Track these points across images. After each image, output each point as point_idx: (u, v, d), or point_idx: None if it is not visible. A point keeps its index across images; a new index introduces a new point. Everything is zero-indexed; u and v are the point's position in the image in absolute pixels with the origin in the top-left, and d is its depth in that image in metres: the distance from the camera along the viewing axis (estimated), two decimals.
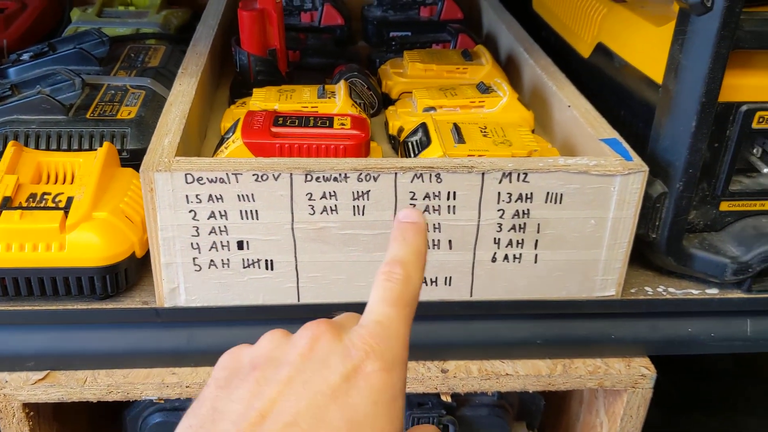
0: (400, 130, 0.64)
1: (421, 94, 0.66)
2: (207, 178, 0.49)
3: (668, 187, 0.55)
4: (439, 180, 0.51)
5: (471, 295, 0.55)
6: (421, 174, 0.50)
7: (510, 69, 0.79)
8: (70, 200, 0.53)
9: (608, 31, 0.65)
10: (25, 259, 0.51)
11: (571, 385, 0.59)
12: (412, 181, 0.51)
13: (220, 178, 0.49)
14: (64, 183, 0.57)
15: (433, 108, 0.65)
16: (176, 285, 0.53)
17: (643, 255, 0.59)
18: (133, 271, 0.55)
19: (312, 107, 0.63)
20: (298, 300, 0.54)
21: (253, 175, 0.49)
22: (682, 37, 0.51)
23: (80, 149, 0.64)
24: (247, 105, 0.65)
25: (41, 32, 1.00)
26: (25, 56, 0.79)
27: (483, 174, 0.51)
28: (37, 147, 0.64)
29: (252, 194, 0.50)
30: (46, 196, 0.54)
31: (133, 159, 0.64)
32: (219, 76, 0.80)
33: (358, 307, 0.55)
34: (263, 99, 0.64)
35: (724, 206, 0.57)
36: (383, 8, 0.92)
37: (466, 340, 0.58)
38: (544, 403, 0.69)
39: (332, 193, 0.50)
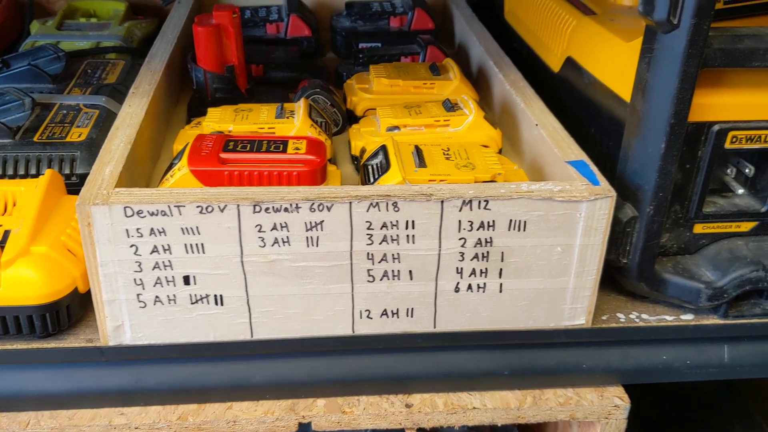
0: (363, 150, 0.61)
1: (384, 112, 0.63)
2: (147, 211, 0.46)
3: (638, 210, 0.52)
4: (396, 209, 0.48)
5: (434, 327, 0.53)
6: (377, 203, 0.48)
7: (480, 82, 0.77)
8: (6, 234, 0.50)
9: (577, 44, 0.63)
10: None
11: (541, 418, 0.56)
12: (368, 210, 0.48)
13: (162, 211, 0.46)
14: (3, 214, 0.54)
15: (396, 127, 0.62)
16: (120, 322, 0.50)
17: (614, 280, 0.57)
18: (76, 307, 0.52)
19: (269, 128, 0.60)
20: (252, 336, 0.51)
21: (197, 206, 0.46)
22: (649, 56, 0.48)
23: (27, 174, 0.61)
24: (201, 125, 0.63)
25: (2, 46, 0.97)
26: None
27: (442, 202, 0.48)
28: None
29: (197, 227, 0.47)
30: None
31: (82, 184, 0.61)
32: (179, 92, 0.77)
33: (315, 342, 0.52)
34: (218, 120, 0.61)
35: (698, 228, 0.55)
36: (352, 18, 0.89)
37: (431, 372, 0.55)
38: None
39: (283, 225, 0.48)
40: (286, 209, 0.47)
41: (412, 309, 0.52)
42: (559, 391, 0.57)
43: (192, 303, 0.50)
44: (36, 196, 0.53)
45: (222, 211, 0.47)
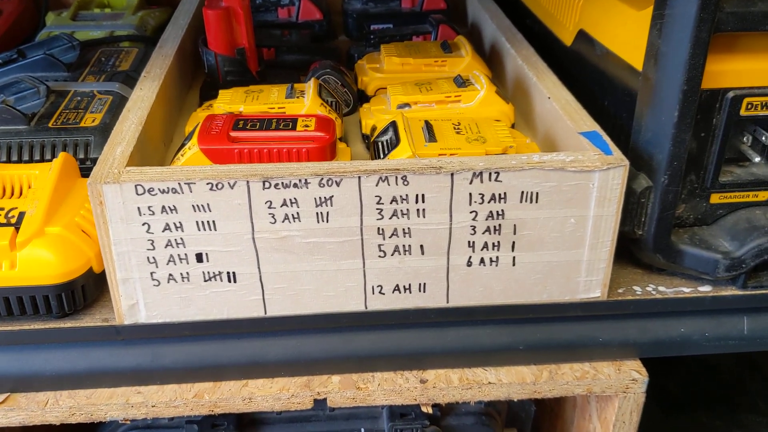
0: (373, 129, 0.61)
1: (395, 90, 0.63)
2: (159, 189, 0.46)
3: (653, 181, 0.51)
4: (405, 182, 0.48)
5: (447, 302, 0.53)
6: (386, 177, 0.47)
7: (493, 60, 0.76)
8: (22, 215, 0.51)
9: (589, 17, 0.62)
10: None
11: (558, 392, 0.56)
12: (377, 185, 0.48)
13: (173, 189, 0.46)
14: (20, 197, 0.55)
15: (407, 104, 0.62)
16: (135, 301, 0.50)
17: (631, 252, 0.56)
18: (92, 287, 0.52)
19: (279, 108, 0.60)
20: (265, 313, 0.52)
21: (208, 183, 0.47)
22: (660, 21, 0.47)
23: (42, 159, 0.62)
24: (212, 107, 0.63)
25: (18, 37, 0.98)
26: None
27: (452, 174, 0.48)
28: None
29: (208, 204, 0.47)
30: None
31: None
32: (192, 77, 0.77)
33: (328, 318, 0.52)
34: (228, 101, 0.61)
35: (715, 198, 0.54)
36: (363, 0, 0.89)
37: (445, 348, 0.55)
38: (535, 408, 0.66)
39: (293, 200, 0.48)
40: (295, 185, 0.47)
41: (425, 284, 0.52)
42: (576, 365, 0.56)
43: (205, 280, 0.50)
44: (50, 179, 0.53)
45: (232, 187, 0.47)
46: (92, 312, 0.52)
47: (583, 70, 0.63)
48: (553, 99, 0.58)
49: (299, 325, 0.52)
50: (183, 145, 0.54)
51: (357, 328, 0.54)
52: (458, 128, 0.55)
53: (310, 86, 0.62)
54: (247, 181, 0.47)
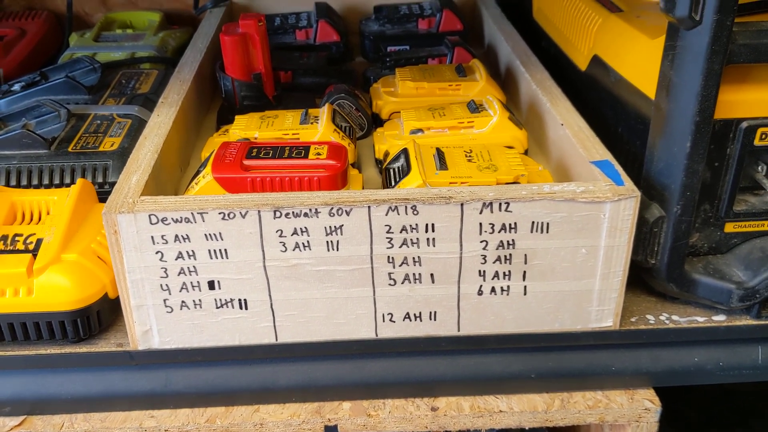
0: (386, 154, 0.62)
1: (408, 115, 0.63)
2: (172, 218, 0.47)
3: (666, 210, 0.51)
4: (415, 212, 0.48)
5: (458, 330, 0.53)
6: (395, 206, 0.48)
7: (509, 82, 0.76)
8: (39, 242, 0.52)
9: (603, 42, 0.62)
10: None
11: (570, 421, 0.55)
12: (386, 214, 0.48)
13: (186, 218, 0.47)
14: (38, 223, 0.56)
15: (420, 130, 0.62)
16: (149, 327, 0.51)
17: (644, 280, 0.56)
18: (107, 312, 0.53)
19: (293, 134, 0.60)
20: (276, 339, 0.52)
21: (220, 213, 0.47)
22: (672, 53, 0.47)
23: (62, 184, 0.63)
24: (228, 133, 0.64)
25: (41, 58, 1.00)
26: (17, 86, 0.79)
27: (462, 204, 0.48)
28: (18, 183, 0.63)
29: (220, 233, 0.48)
30: (17, 238, 0.53)
31: None
32: (210, 101, 0.78)
33: (339, 345, 0.53)
34: (244, 127, 0.62)
35: (729, 227, 0.54)
36: (380, 22, 0.89)
37: (456, 376, 0.55)
38: None
39: (303, 229, 0.48)
40: (305, 214, 0.48)
41: (435, 312, 0.52)
42: (588, 393, 0.56)
43: (217, 307, 0.50)
44: (67, 205, 0.54)
45: (243, 217, 0.47)
46: (107, 337, 0.53)
47: (597, 96, 0.63)
48: (566, 125, 0.58)
49: (310, 351, 0.53)
50: (198, 172, 0.55)
51: (368, 355, 0.54)
52: (470, 156, 0.55)
53: (323, 112, 0.63)
54: (259, 211, 0.47)
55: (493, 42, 0.86)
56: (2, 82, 0.91)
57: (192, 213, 0.47)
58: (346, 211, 0.48)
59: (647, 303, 0.56)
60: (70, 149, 0.65)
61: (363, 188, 0.57)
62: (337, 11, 0.94)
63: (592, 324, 0.53)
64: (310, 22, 0.88)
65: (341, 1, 0.96)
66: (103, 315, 0.53)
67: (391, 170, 0.56)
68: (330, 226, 0.48)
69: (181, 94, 0.65)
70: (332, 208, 0.48)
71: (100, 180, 0.63)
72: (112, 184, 0.63)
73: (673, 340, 0.55)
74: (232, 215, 0.47)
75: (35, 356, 0.52)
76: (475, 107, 0.63)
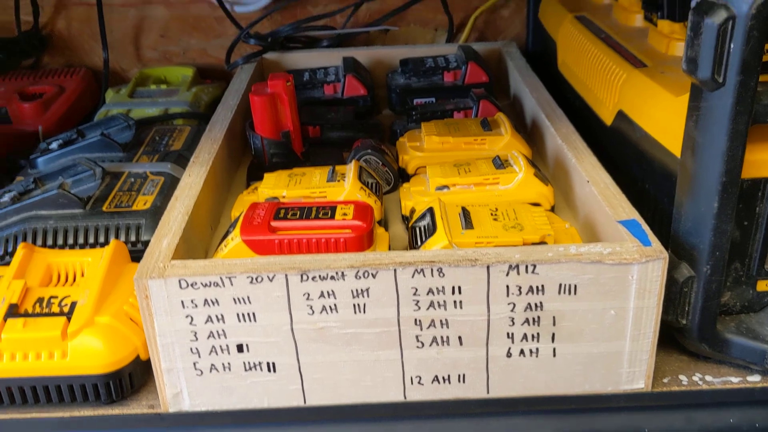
0: (412, 211, 0.62)
1: (434, 171, 0.64)
2: (201, 283, 0.48)
3: (695, 270, 0.50)
4: (441, 275, 0.48)
5: (488, 392, 0.52)
6: (422, 269, 0.48)
7: (534, 135, 0.76)
8: (73, 305, 0.53)
9: (628, 98, 0.62)
10: (29, 369, 0.51)
11: None
12: (413, 277, 0.48)
13: (215, 282, 0.48)
14: (72, 284, 0.57)
15: (446, 186, 0.63)
16: (179, 390, 0.51)
17: (676, 339, 0.55)
18: (139, 374, 0.54)
19: (320, 192, 0.61)
20: (305, 402, 0.52)
21: (248, 277, 0.48)
22: (696, 113, 0.47)
23: (96, 243, 0.65)
24: (257, 191, 0.65)
25: (80, 114, 1.03)
26: (54, 145, 0.81)
27: (488, 267, 0.48)
28: (54, 242, 0.65)
29: (248, 297, 0.48)
30: (53, 300, 0.54)
31: None
32: (241, 156, 0.80)
33: (367, 409, 0.53)
34: (273, 185, 0.63)
35: (762, 286, 0.53)
36: (406, 75, 0.91)
37: None
38: None
39: (330, 292, 0.49)
40: (332, 277, 0.48)
41: (464, 375, 0.52)
42: None
43: (246, 370, 0.51)
44: (101, 267, 0.55)
45: (271, 280, 0.48)
46: (139, 398, 0.54)
47: (623, 151, 0.63)
48: (592, 183, 0.58)
49: (338, 414, 0.53)
50: (227, 234, 0.56)
51: (396, 418, 0.54)
52: (495, 214, 0.55)
53: (350, 170, 0.63)
54: (286, 275, 0.48)
55: (519, 93, 0.86)
56: (41, 139, 0.94)
57: (220, 277, 0.48)
58: (372, 273, 0.48)
59: (679, 363, 0.55)
60: (104, 208, 0.67)
61: (389, 247, 0.57)
62: (365, 65, 0.96)
63: (623, 386, 0.52)
64: (337, 77, 0.90)
65: (369, 55, 0.98)
66: (135, 377, 0.53)
67: (417, 229, 0.57)
68: (356, 289, 0.49)
69: (212, 154, 0.67)
70: (358, 271, 0.48)
71: (132, 239, 0.65)
72: (145, 243, 0.64)
73: (707, 401, 0.53)
74: (259, 279, 0.48)
75: (69, 419, 0.52)
76: (500, 163, 0.63)
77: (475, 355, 0.51)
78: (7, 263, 0.64)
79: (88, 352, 0.51)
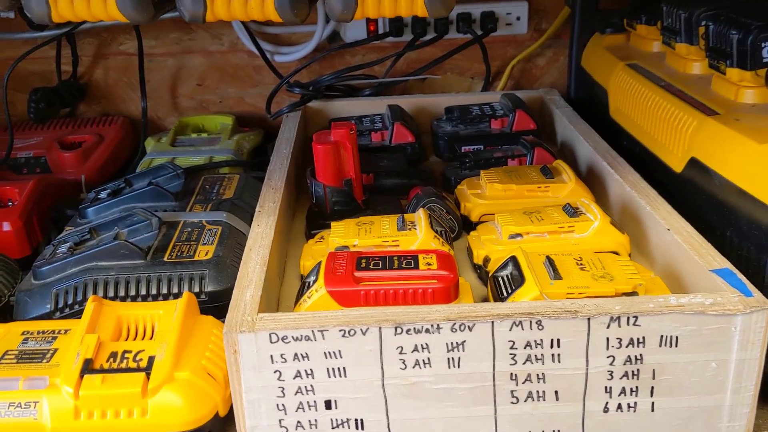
0: (486, 260, 0.61)
1: (505, 219, 0.63)
2: (292, 337, 0.46)
3: None
4: (540, 327, 0.47)
5: None
6: (520, 321, 0.47)
7: (592, 183, 0.76)
8: (151, 360, 0.51)
9: (702, 145, 0.62)
10: (107, 427, 0.49)
11: None
12: (510, 329, 0.47)
13: (306, 336, 0.46)
14: (143, 338, 0.55)
15: (519, 235, 0.61)
16: None
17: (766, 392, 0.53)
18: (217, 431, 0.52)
19: (393, 241, 0.60)
20: None
21: (340, 330, 0.46)
22: None
23: (158, 294, 0.63)
24: (325, 240, 0.64)
25: (119, 163, 1.02)
26: (103, 194, 0.80)
27: (589, 319, 0.47)
28: (116, 293, 0.63)
29: (339, 351, 0.47)
30: (127, 355, 0.52)
31: (211, 301, 0.63)
32: (295, 204, 0.79)
33: None
34: (342, 234, 0.61)
35: None
36: (453, 123, 0.91)
37: None
38: None
39: (424, 346, 0.47)
40: (427, 330, 0.47)
41: (559, 431, 0.50)
42: None
43: (333, 427, 0.49)
44: (176, 321, 0.54)
45: (364, 334, 0.46)
46: None
47: (697, 199, 0.62)
48: (673, 231, 0.57)
49: None
50: (306, 284, 0.54)
51: None
52: (581, 264, 0.54)
53: (420, 217, 0.62)
54: (380, 327, 0.46)
55: (569, 141, 0.86)
56: (84, 188, 0.93)
57: (312, 331, 0.46)
58: (468, 326, 0.47)
59: None
60: (165, 259, 0.65)
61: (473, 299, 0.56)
62: (408, 112, 0.96)
63: None
64: (385, 125, 0.90)
65: (411, 103, 0.98)
66: None
67: (500, 279, 0.55)
68: (452, 342, 0.47)
69: (277, 202, 0.66)
70: (454, 324, 0.46)
71: (196, 290, 0.63)
72: (208, 294, 0.63)
73: None
74: (352, 332, 0.46)
75: None
76: (573, 211, 0.62)
77: (571, 411, 0.49)
78: (68, 316, 0.62)
79: (169, 410, 0.49)
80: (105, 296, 0.63)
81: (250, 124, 1.11)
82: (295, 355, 0.47)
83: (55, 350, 0.53)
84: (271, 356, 0.47)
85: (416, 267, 0.53)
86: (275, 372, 0.47)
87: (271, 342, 0.46)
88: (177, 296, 0.63)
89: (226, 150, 0.96)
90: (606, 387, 0.48)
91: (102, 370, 0.50)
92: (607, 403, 0.49)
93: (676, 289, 0.56)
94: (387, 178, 0.80)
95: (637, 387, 0.48)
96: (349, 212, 0.69)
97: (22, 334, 0.56)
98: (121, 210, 0.76)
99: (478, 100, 0.97)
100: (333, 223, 0.64)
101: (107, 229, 0.71)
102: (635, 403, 0.49)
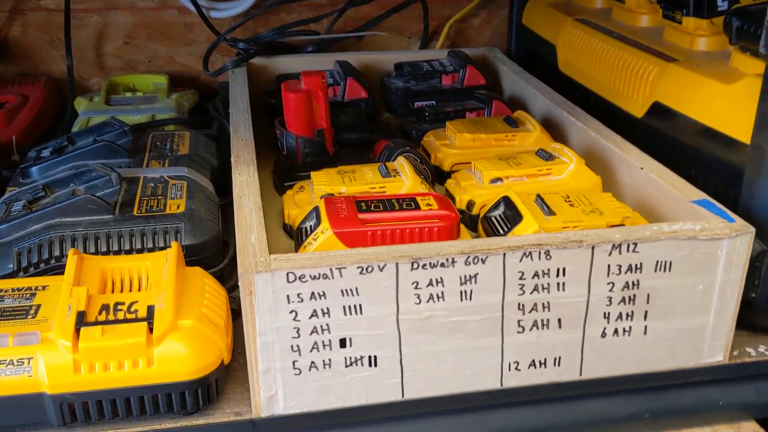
0: (470, 203, 0.62)
1: (484, 165, 0.64)
2: (309, 275, 0.46)
3: (766, 244, 0.53)
4: (548, 257, 0.48)
5: (580, 374, 0.53)
6: (530, 252, 0.48)
7: (551, 134, 0.78)
8: (150, 309, 0.48)
9: (666, 90, 0.65)
10: (110, 379, 0.46)
11: None
12: (521, 260, 0.48)
13: (324, 274, 0.46)
14: (130, 290, 0.52)
15: (499, 179, 0.63)
16: (274, 392, 0.48)
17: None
18: (222, 380, 0.50)
19: (380, 187, 0.60)
20: (402, 396, 0.51)
21: (358, 267, 0.46)
22: None
23: (132, 248, 0.60)
24: (306, 189, 0.63)
25: (45, 123, 0.96)
26: (45, 153, 0.75)
27: (593, 247, 0.49)
28: (85, 249, 0.60)
29: (356, 288, 0.47)
30: (120, 307, 0.49)
31: (188, 255, 0.60)
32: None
33: (464, 398, 0.52)
34: (326, 182, 0.61)
35: None
36: (405, 79, 0.91)
37: (575, 421, 0.54)
38: None
39: (439, 280, 0.48)
40: (442, 264, 0.47)
41: (559, 358, 0.52)
42: (697, 429, 0.56)
43: (346, 366, 0.49)
44: (170, 270, 0.52)
45: (381, 270, 0.46)
46: (221, 406, 0.50)
47: (660, 141, 0.66)
48: (647, 169, 0.60)
49: (434, 407, 0.51)
50: (305, 231, 0.53)
51: (491, 407, 0.53)
52: (569, 201, 0.56)
53: (402, 165, 0.63)
54: (396, 263, 0.46)
55: (519, 96, 0.88)
56: (15, 149, 0.87)
57: (330, 268, 0.46)
58: (482, 259, 0.47)
59: (741, 336, 0.58)
60: (135, 213, 0.62)
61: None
62: (358, 69, 0.95)
63: (705, 359, 0.54)
64: (336, 80, 0.89)
65: (354, 60, 0.97)
66: (220, 383, 0.50)
67: (494, 219, 0.56)
68: (465, 276, 0.48)
69: (251, 153, 0.64)
70: (468, 257, 0.47)
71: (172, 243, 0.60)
72: (186, 247, 0.60)
73: None
74: (370, 269, 0.46)
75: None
76: (547, 155, 0.64)
77: (572, 338, 0.51)
78: (33, 274, 0.58)
79: (176, 358, 0.47)
80: None
81: (181, 84, 1.06)
82: (312, 294, 0.46)
83: (38, 306, 0.50)
84: (288, 296, 0.46)
85: (417, 208, 0.53)
86: (291, 312, 0.46)
87: (288, 281, 0.45)
88: (151, 251, 0.60)
89: (168, 108, 0.92)
90: (605, 313, 0.51)
91: (98, 322, 0.47)
92: (605, 328, 0.51)
93: (654, 222, 0.59)
94: (347, 133, 0.79)
95: (632, 312, 0.51)
96: (321, 164, 0.69)
97: None
98: (70, 168, 0.71)
99: (423, 57, 0.98)
100: (313, 173, 0.63)
101: (62, 186, 0.67)
102: (630, 327, 0.52)
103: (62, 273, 0.57)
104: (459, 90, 0.90)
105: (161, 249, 0.60)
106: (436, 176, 0.71)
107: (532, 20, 0.97)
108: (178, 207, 0.64)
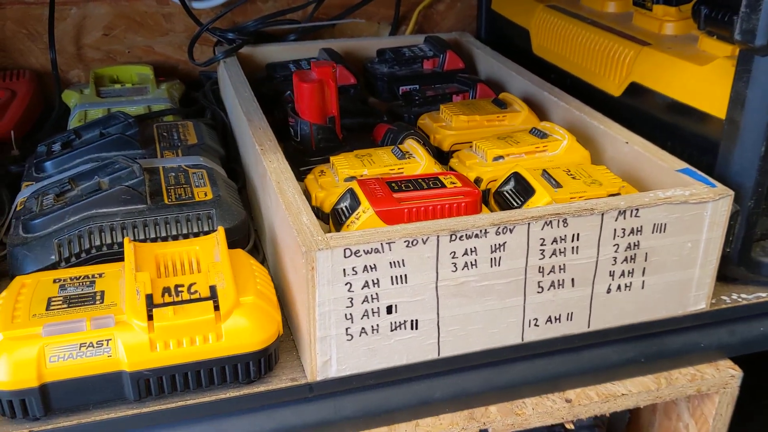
0: (478, 180, 0.68)
1: (485, 145, 0.70)
2: (363, 250, 0.51)
3: (740, 205, 0.62)
4: (565, 224, 0.55)
5: (588, 326, 0.60)
6: (550, 221, 0.55)
7: (535, 113, 0.85)
8: (212, 289, 0.53)
9: (643, 71, 0.73)
10: (183, 355, 0.51)
11: (674, 395, 0.64)
12: (542, 229, 0.55)
13: (375, 249, 0.51)
14: (184, 273, 0.57)
15: (501, 157, 0.69)
16: (328, 357, 0.54)
17: None
18: (278, 350, 0.55)
19: (399, 169, 0.66)
20: (438, 354, 0.57)
21: (405, 241, 0.52)
22: (747, 75, 0.58)
23: (168, 235, 0.64)
24: (326, 173, 0.68)
25: (34, 118, 0.97)
26: (56, 147, 0.78)
27: (603, 214, 0.56)
28: (122, 238, 0.63)
29: (403, 260, 0.52)
30: (180, 289, 0.54)
31: None
32: None
33: (491, 354, 0.58)
34: (348, 166, 0.66)
35: None
36: (388, 64, 0.96)
37: (582, 368, 0.62)
38: (629, 416, 0.74)
39: (473, 249, 0.54)
40: (476, 235, 0.53)
41: (572, 313, 0.59)
42: (683, 370, 0.65)
43: (392, 330, 0.55)
44: (222, 251, 0.56)
45: (425, 243, 0.52)
46: (277, 374, 0.55)
47: (637, 117, 0.74)
48: (632, 143, 0.68)
49: (465, 363, 0.58)
50: (343, 211, 0.59)
51: (512, 360, 0.60)
52: (571, 174, 0.63)
53: (414, 147, 0.68)
54: (437, 236, 0.52)
55: (496, 78, 0.95)
56: (14, 144, 0.88)
57: (381, 243, 0.51)
58: (510, 229, 0.54)
59: (717, 287, 0.67)
60: (166, 202, 0.66)
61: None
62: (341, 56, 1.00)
63: (690, 307, 0.62)
64: None
65: (338, 47, 1.02)
66: (277, 353, 0.55)
67: (506, 193, 0.63)
68: (495, 244, 0.54)
69: (273, 140, 0.68)
70: (498, 228, 0.54)
71: (206, 229, 0.65)
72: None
73: (747, 314, 0.65)
74: (415, 242, 0.52)
75: (216, 402, 0.53)
76: (542, 133, 0.71)
77: (582, 294, 0.59)
78: (74, 264, 0.62)
79: (241, 332, 0.52)
80: (111, 242, 0.63)
81: (161, 74, 1.08)
82: (365, 267, 0.52)
83: (102, 291, 0.54)
84: (344, 270, 0.51)
85: (443, 186, 0.59)
86: (346, 284, 0.52)
87: (345, 257, 0.51)
88: (186, 237, 0.64)
89: (162, 99, 0.95)
90: (610, 271, 0.58)
91: (167, 304, 0.52)
92: (609, 285, 0.59)
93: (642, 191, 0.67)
94: (345, 118, 0.84)
95: (633, 269, 0.59)
96: (333, 149, 0.74)
97: (55, 282, 0.55)
98: (86, 161, 0.74)
99: (402, 43, 1.03)
100: (333, 158, 0.68)
101: (87, 179, 0.70)
102: (630, 283, 0.59)
103: (102, 262, 0.61)
104: (441, 74, 0.95)
105: (195, 235, 0.64)
106: (435, 156, 0.77)
107: (502, 5, 1.03)
108: (205, 194, 0.68)
